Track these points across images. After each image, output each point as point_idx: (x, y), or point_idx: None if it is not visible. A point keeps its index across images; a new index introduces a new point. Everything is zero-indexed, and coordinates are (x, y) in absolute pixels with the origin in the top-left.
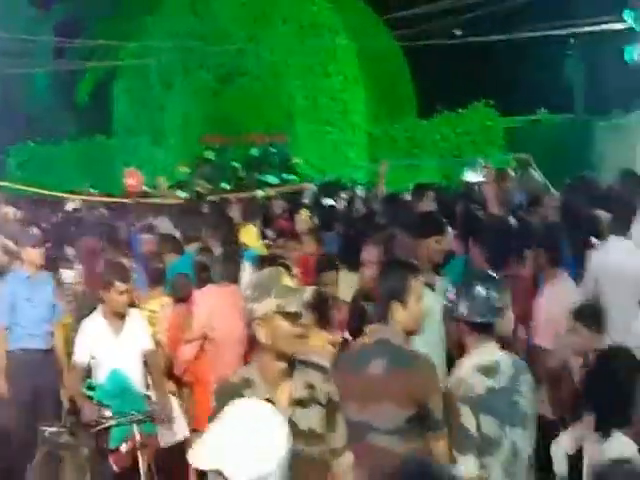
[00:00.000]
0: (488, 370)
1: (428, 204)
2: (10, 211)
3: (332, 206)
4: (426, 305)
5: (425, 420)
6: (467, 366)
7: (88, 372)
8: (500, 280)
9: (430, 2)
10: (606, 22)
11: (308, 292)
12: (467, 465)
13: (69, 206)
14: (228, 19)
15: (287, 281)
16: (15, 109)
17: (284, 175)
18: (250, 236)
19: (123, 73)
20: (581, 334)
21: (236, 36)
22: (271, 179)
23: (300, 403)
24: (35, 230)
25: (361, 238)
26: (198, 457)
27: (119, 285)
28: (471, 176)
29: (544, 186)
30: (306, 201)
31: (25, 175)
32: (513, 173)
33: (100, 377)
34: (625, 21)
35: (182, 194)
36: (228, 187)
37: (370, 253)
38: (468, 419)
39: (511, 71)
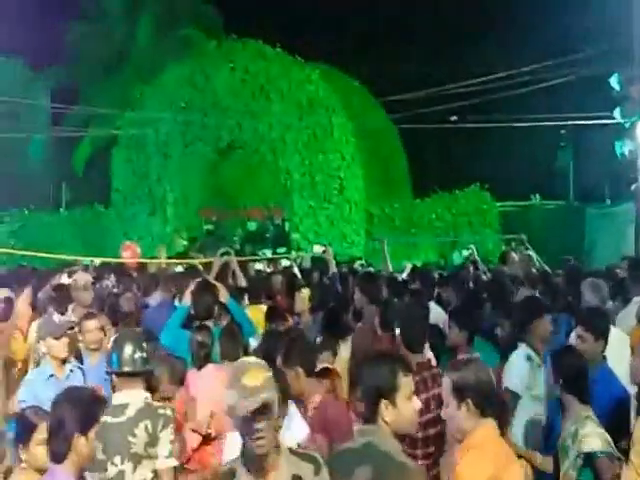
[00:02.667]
0: (117, 408)
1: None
2: (81, 278)
3: (329, 284)
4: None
5: None
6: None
7: None
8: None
9: (426, 88)
10: (598, 117)
11: (266, 394)
12: None
13: (64, 279)
14: (227, 93)
15: (251, 378)
16: (9, 174)
17: (280, 250)
18: (259, 316)
19: (121, 142)
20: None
21: (234, 110)
22: (268, 254)
23: None
24: (57, 317)
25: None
26: None
27: None
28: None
29: (540, 266)
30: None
31: (17, 244)
32: (515, 255)
33: None
34: (615, 118)
35: (179, 268)
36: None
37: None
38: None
39: (506, 157)
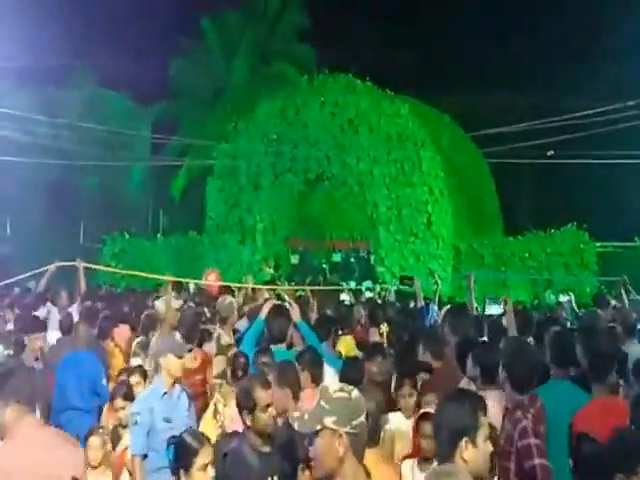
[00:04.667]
0: None
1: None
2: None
3: (407, 319)
4: None
5: None
6: None
7: None
8: None
9: (521, 121)
10: None
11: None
12: None
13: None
14: (317, 126)
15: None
16: (112, 200)
17: (365, 283)
18: (348, 346)
19: (215, 172)
20: None
21: (323, 143)
22: (352, 285)
23: None
24: (179, 336)
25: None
26: None
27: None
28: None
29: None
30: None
31: (118, 266)
32: (609, 298)
33: None
34: None
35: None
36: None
37: None
38: None
39: (607, 196)
